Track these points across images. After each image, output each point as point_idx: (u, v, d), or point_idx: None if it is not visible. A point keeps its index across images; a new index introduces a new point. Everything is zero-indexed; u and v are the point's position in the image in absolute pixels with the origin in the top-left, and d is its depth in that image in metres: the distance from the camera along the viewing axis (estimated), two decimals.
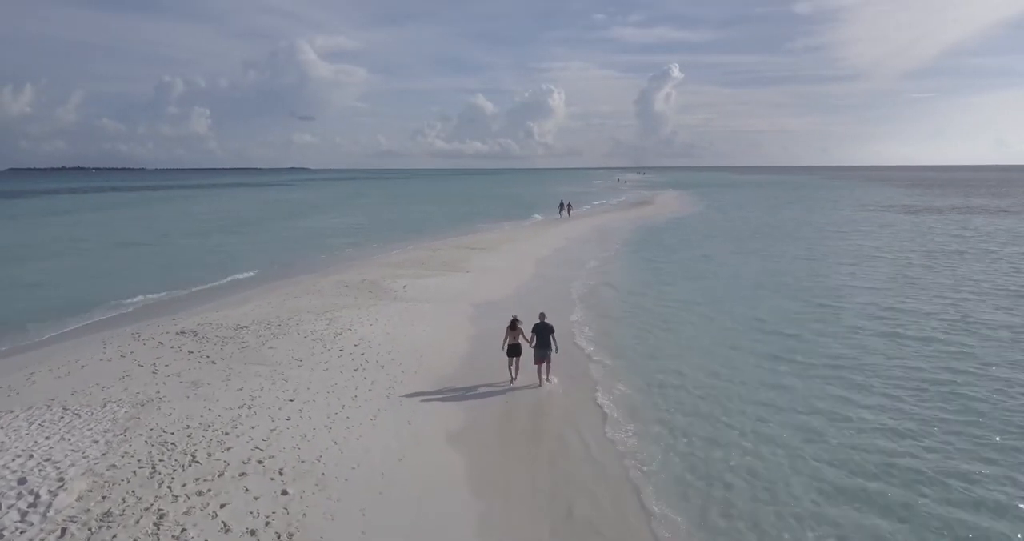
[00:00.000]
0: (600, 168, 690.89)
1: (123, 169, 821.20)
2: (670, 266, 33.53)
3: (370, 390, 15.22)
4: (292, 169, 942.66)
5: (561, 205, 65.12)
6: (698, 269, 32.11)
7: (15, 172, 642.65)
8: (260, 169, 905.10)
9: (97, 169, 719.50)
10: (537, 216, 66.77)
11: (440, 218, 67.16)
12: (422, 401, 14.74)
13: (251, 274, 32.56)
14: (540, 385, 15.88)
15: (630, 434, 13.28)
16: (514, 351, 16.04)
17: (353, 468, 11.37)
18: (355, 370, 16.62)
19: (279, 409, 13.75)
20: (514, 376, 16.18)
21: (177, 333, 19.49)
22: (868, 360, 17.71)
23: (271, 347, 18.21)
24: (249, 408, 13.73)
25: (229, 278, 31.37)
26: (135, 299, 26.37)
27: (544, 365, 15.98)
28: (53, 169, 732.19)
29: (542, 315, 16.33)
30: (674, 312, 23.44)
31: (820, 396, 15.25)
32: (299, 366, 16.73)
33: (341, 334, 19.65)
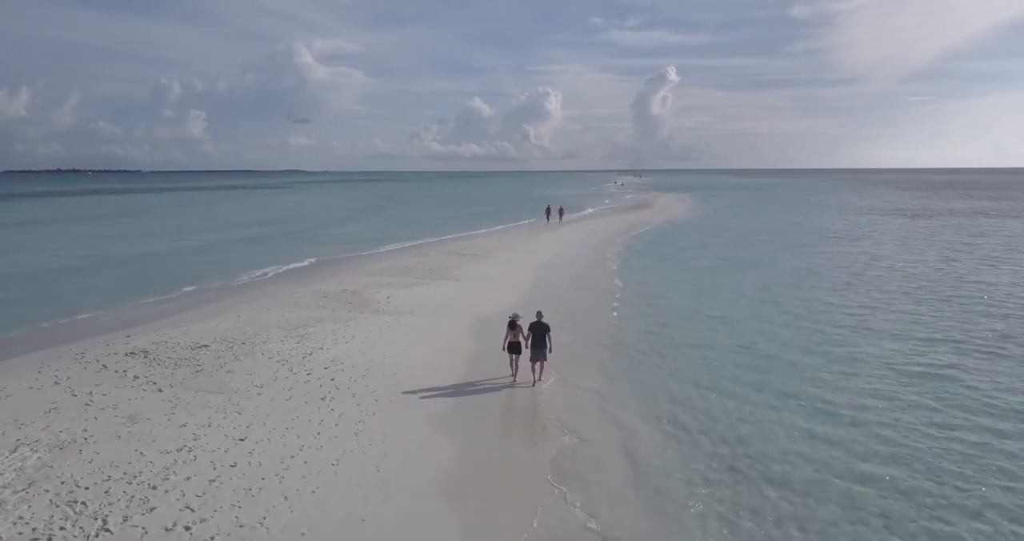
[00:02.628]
0: (597, 171, 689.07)
1: (119, 171, 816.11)
2: (672, 278, 31.44)
3: (336, 425, 13.14)
4: (288, 171, 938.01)
5: (548, 210, 61.23)
6: (701, 284, 29.16)
7: (10, 174, 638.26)
8: (256, 171, 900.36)
9: (93, 171, 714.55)
10: (532, 220, 64.57)
11: (431, 222, 65.01)
12: (396, 439, 12.66)
13: (225, 284, 30.25)
14: (534, 384, 15.93)
15: (640, 488, 11.25)
16: (514, 349, 16.07)
17: (303, 534, 9.30)
18: (322, 399, 14.54)
19: (225, 452, 11.65)
20: (514, 374, 16.20)
21: (127, 353, 17.34)
22: (882, 404, 15.50)
23: (229, 371, 16.10)
24: (189, 451, 11.62)
25: (200, 288, 29.10)
26: (94, 311, 24.11)
27: (538, 364, 16.05)
28: (48, 171, 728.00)
29: (539, 314, 16.32)
30: (683, 333, 21.37)
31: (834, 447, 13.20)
32: (258, 394, 14.64)
33: (311, 354, 17.56)
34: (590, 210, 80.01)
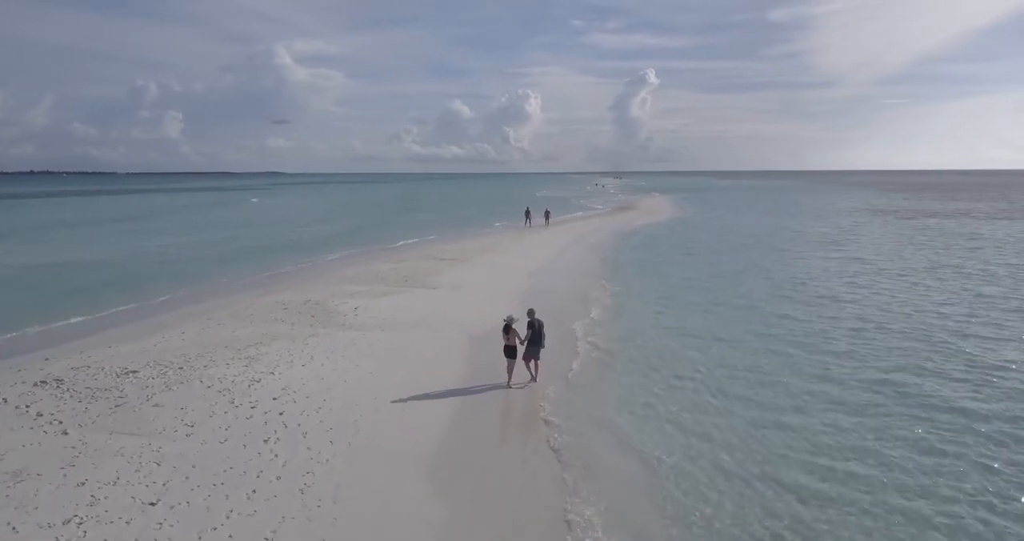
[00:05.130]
0: (578, 173, 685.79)
1: (94, 173, 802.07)
2: (668, 286, 29.12)
3: (278, 479, 10.55)
4: (267, 173, 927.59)
5: (528, 213, 57.89)
6: (698, 297, 25.89)
7: None
8: (234, 173, 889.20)
9: (68, 173, 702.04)
10: (515, 222, 62.03)
11: (411, 224, 62.23)
12: (354, 497, 10.11)
13: (173, 295, 26.95)
14: (532, 380, 15.58)
15: None
16: (510, 353, 15.46)
17: None
18: (264, 441, 11.93)
19: (126, 524, 9.03)
20: (510, 379, 15.52)
21: (37, 383, 14.54)
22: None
23: (156, 405, 13.42)
24: (79, 524, 8.98)
25: (147, 299, 26.01)
26: (20, 328, 21.15)
27: (534, 362, 15.61)
28: (22, 173, 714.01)
29: (531, 312, 15.81)
30: (693, 354, 18.98)
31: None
32: (186, 436, 11.99)
33: (259, 381, 14.92)
34: (576, 213, 77.62)
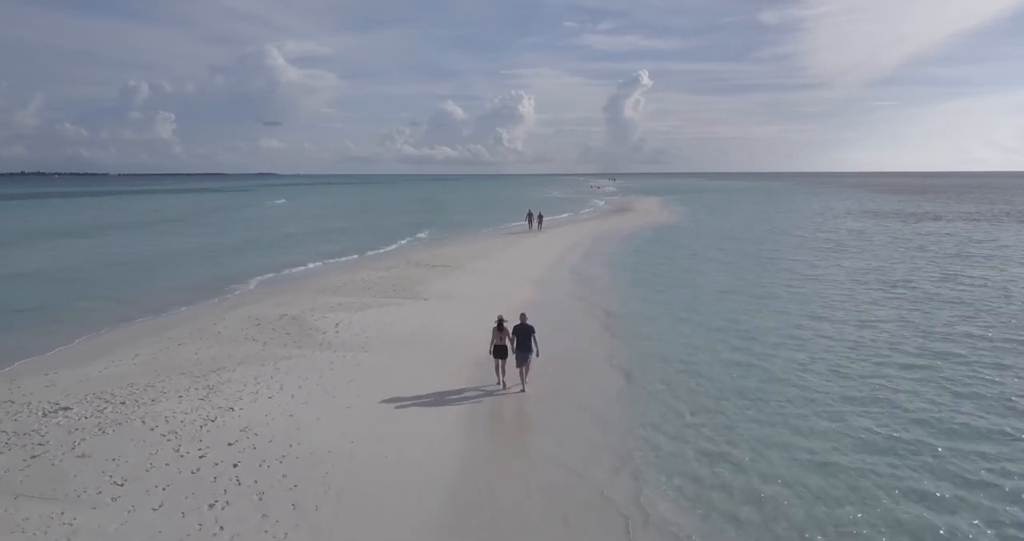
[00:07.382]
0: (571, 174, 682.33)
1: (86, 174, 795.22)
2: (672, 298, 26.80)
3: None
4: (259, 174, 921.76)
5: (529, 216, 56.21)
6: (709, 310, 24.52)
7: None
8: (226, 174, 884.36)
9: (59, 174, 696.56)
10: (509, 225, 59.72)
11: (399, 228, 59.71)
12: None
13: (126, 311, 23.68)
14: (522, 390, 14.93)
15: None
16: (500, 353, 14.99)
17: None
18: (210, 506, 9.54)
19: None
20: (501, 380, 15.12)
21: None
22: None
23: (82, 454, 10.99)
24: None
25: (102, 314, 23.26)
26: None
27: (524, 369, 15.02)
28: (12, 174, 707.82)
29: (523, 316, 15.33)
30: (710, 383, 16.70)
31: None
32: (111, 501, 9.58)
33: (214, 420, 12.51)
34: (572, 214, 75.35)
